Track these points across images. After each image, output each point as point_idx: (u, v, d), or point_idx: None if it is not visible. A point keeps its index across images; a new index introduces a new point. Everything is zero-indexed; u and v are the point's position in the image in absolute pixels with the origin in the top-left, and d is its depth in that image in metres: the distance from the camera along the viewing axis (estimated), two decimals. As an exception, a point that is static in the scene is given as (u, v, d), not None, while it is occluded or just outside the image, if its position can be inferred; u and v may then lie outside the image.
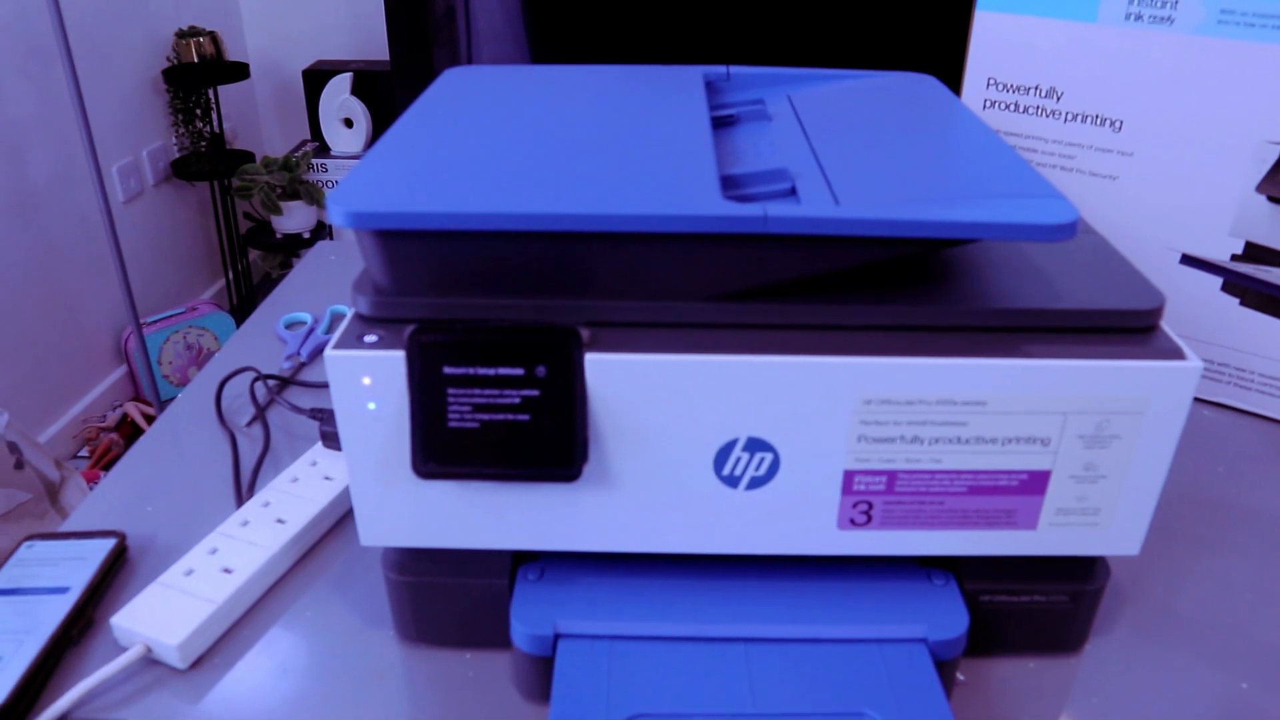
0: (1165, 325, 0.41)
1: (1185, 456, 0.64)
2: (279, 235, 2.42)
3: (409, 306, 0.40)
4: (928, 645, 0.42)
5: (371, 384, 0.39)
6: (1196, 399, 0.70)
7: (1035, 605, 0.46)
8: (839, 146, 0.46)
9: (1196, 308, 0.67)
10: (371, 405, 0.40)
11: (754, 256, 0.38)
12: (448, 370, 0.38)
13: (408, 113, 0.49)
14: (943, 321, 0.40)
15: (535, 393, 0.38)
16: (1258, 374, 0.67)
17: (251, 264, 2.69)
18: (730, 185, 0.42)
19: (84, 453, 2.06)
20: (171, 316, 2.26)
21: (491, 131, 0.46)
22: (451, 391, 0.39)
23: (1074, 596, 0.46)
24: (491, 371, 0.38)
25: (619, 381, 0.39)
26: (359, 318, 0.41)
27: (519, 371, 0.38)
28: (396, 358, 0.39)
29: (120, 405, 2.17)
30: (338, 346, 0.39)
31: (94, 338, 2.17)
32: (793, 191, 0.42)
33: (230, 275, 2.61)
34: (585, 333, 0.39)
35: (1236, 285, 0.65)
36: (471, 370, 0.38)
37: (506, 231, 0.38)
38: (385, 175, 0.40)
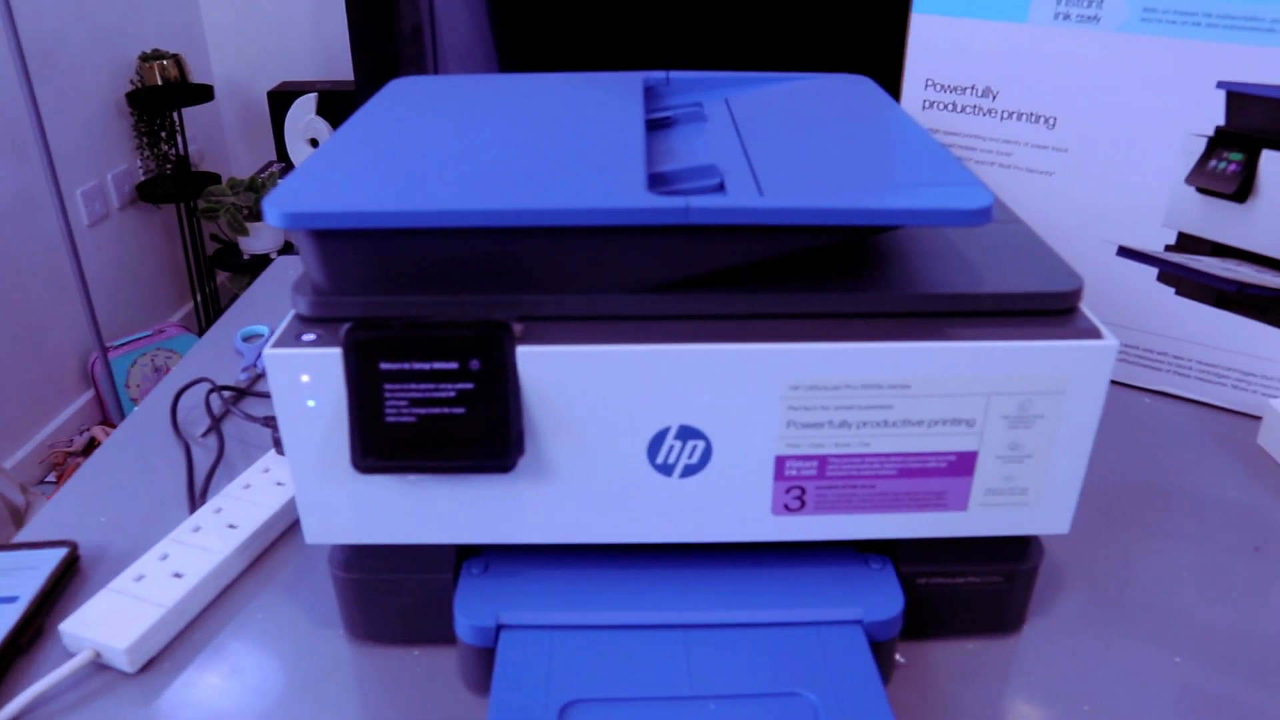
0: (1085, 307, 0.42)
1: (1127, 443, 0.65)
2: (246, 256, 2.42)
3: (346, 305, 0.41)
4: (863, 626, 0.43)
5: (310, 382, 0.40)
6: (1137, 387, 0.71)
7: (971, 586, 0.47)
8: (770, 144, 0.47)
9: (1134, 298, 0.68)
10: (311, 403, 0.40)
11: (680, 248, 0.39)
12: (384, 366, 0.39)
13: (349, 120, 0.50)
14: (868, 308, 0.41)
15: (469, 386, 0.39)
16: (1195, 361, 0.68)
17: (220, 286, 2.69)
18: (660, 182, 0.43)
19: (51, 478, 2.05)
20: (139, 339, 2.25)
21: (429, 136, 0.47)
22: (388, 387, 0.39)
23: (1009, 576, 0.47)
24: (426, 366, 0.39)
25: (551, 373, 0.39)
26: (298, 318, 0.42)
27: (453, 366, 0.39)
28: (334, 355, 0.39)
29: (87, 429, 2.16)
30: (277, 346, 0.40)
31: (61, 362, 2.16)
32: (721, 186, 0.43)
33: (198, 297, 2.60)
34: (518, 327, 0.39)
35: (1171, 275, 0.67)
36: (407, 365, 0.39)
37: (437, 228, 0.38)
38: (321, 178, 0.41)
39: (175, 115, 2.37)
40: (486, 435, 0.40)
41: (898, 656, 0.47)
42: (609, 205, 0.37)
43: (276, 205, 0.38)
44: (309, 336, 0.40)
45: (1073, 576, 0.54)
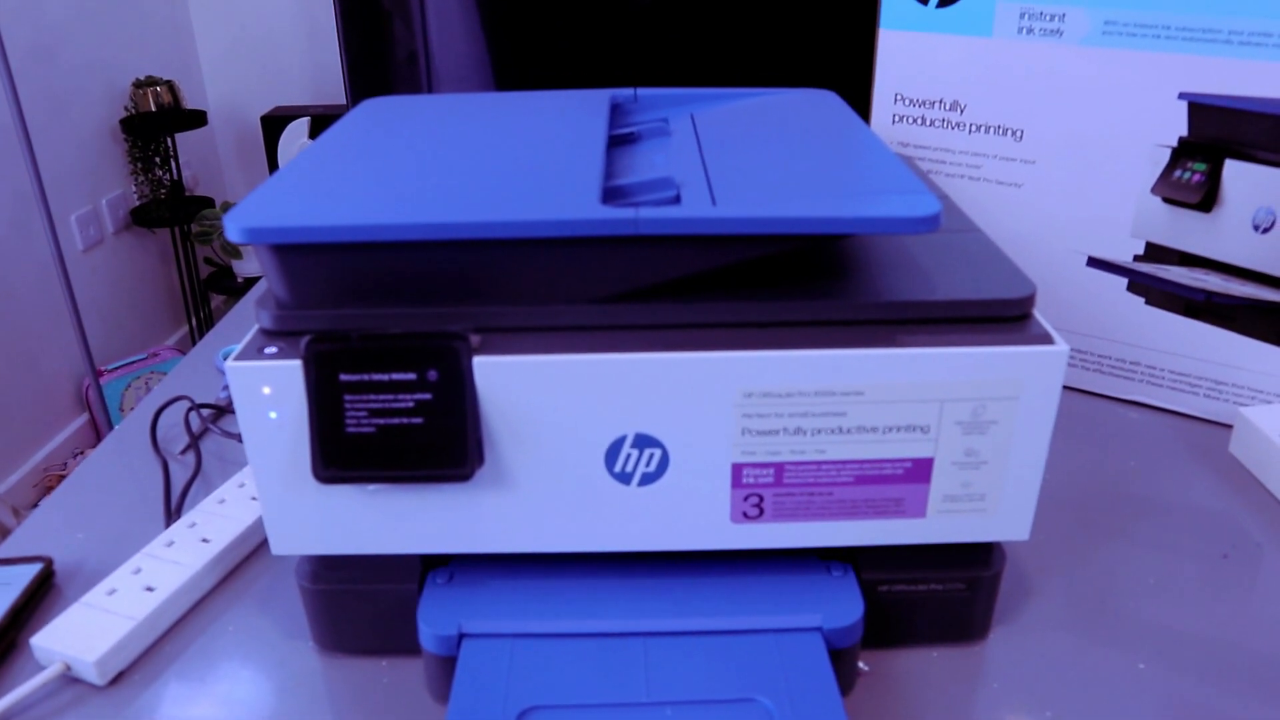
0: (1038, 314, 0.43)
1: (1099, 452, 0.66)
2: (240, 279, 2.43)
3: (307, 319, 0.41)
4: (822, 633, 0.43)
5: (272, 393, 0.40)
6: (1110, 397, 0.72)
7: (933, 594, 0.47)
8: (729, 158, 0.48)
9: (1104, 308, 0.69)
10: (273, 414, 0.41)
11: (633, 258, 0.40)
12: (343, 378, 0.40)
13: (318, 139, 0.50)
14: (821, 315, 0.42)
15: (428, 396, 0.40)
16: (1168, 370, 0.69)
17: (214, 309, 2.70)
18: (616, 195, 0.44)
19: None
20: (133, 363, 2.26)
21: (393, 153, 0.47)
22: (348, 398, 0.40)
23: (971, 584, 0.47)
24: (385, 377, 0.40)
25: (509, 383, 0.40)
26: (261, 331, 0.42)
27: (411, 376, 0.39)
28: (294, 367, 0.40)
29: (81, 453, 2.16)
30: (239, 358, 0.40)
31: (54, 386, 2.17)
32: (677, 199, 0.44)
33: (193, 321, 2.61)
34: (474, 338, 0.40)
35: (1141, 285, 0.67)
36: (366, 377, 0.40)
37: (393, 242, 0.39)
38: (284, 194, 0.42)
39: (169, 140, 2.39)
40: (445, 445, 0.40)
41: (860, 664, 0.47)
42: (561, 217, 0.38)
43: (236, 220, 0.39)
44: (270, 349, 0.41)
45: (1041, 584, 0.54)
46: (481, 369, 0.40)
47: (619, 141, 0.55)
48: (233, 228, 0.39)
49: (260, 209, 0.40)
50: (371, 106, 0.58)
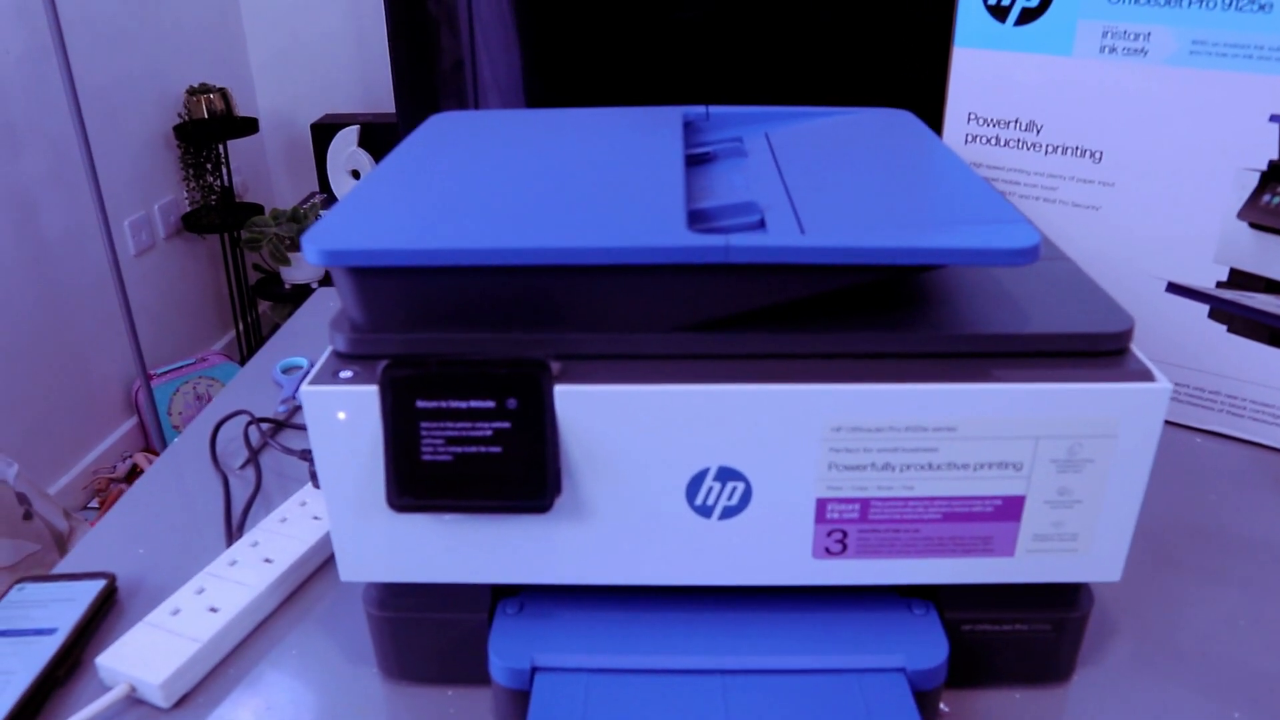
0: (1135, 348, 0.41)
1: (1178, 484, 0.64)
2: (288, 286, 2.44)
3: (383, 343, 0.41)
4: (906, 675, 0.42)
5: (347, 419, 0.40)
6: (1189, 426, 0.70)
7: (1018, 634, 0.46)
8: (811, 180, 0.47)
9: (1184, 335, 0.67)
10: (348, 440, 0.40)
11: (720, 287, 0.39)
12: (420, 404, 0.39)
13: (389, 156, 0.50)
14: (911, 348, 0.40)
15: (506, 425, 0.39)
16: (1249, 401, 0.67)
17: (261, 315, 2.72)
18: (699, 219, 0.43)
19: (94, 504, 2.07)
20: (182, 367, 2.28)
21: (468, 172, 0.47)
22: (424, 425, 0.39)
23: (1057, 625, 0.45)
24: (463, 405, 0.39)
25: (589, 413, 0.39)
26: (336, 354, 0.42)
27: (490, 404, 0.38)
28: (370, 393, 0.39)
29: (130, 455, 2.18)
30: (314, 383, 0.40)
31: (105, 389, 2.19)
32: (761, 224, 0.42)
33: (240, 326, 2.64)
34: (555, 365, 0.39)
35: (1223, 312, 0.65)
36: (443, 404, 0.39)
37: (476, 266, 0.38)
38: (360, 215, 0.41)
39: (221, 147, 2.41)
40: (523, 475, 0.39)
41: (942, 706, 0.46)
42: (648, 244, 0.37)
43: (315, 243, 0.38)
44: (346, 374, 0.40)
45: (1123, 623, 0.52)
46: (562, 398, 0.39)
47: (694, 161, 0.54)
48: (311, 250, 0.38)
49: (338, 230, 0.39)
50: (439, 122, 0.57)
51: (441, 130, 0.55)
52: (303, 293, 2.44)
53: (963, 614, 0.45)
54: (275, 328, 2.65)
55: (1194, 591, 0.54)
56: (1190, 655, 0.50)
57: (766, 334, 0.40)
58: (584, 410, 0.39)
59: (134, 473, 2.14)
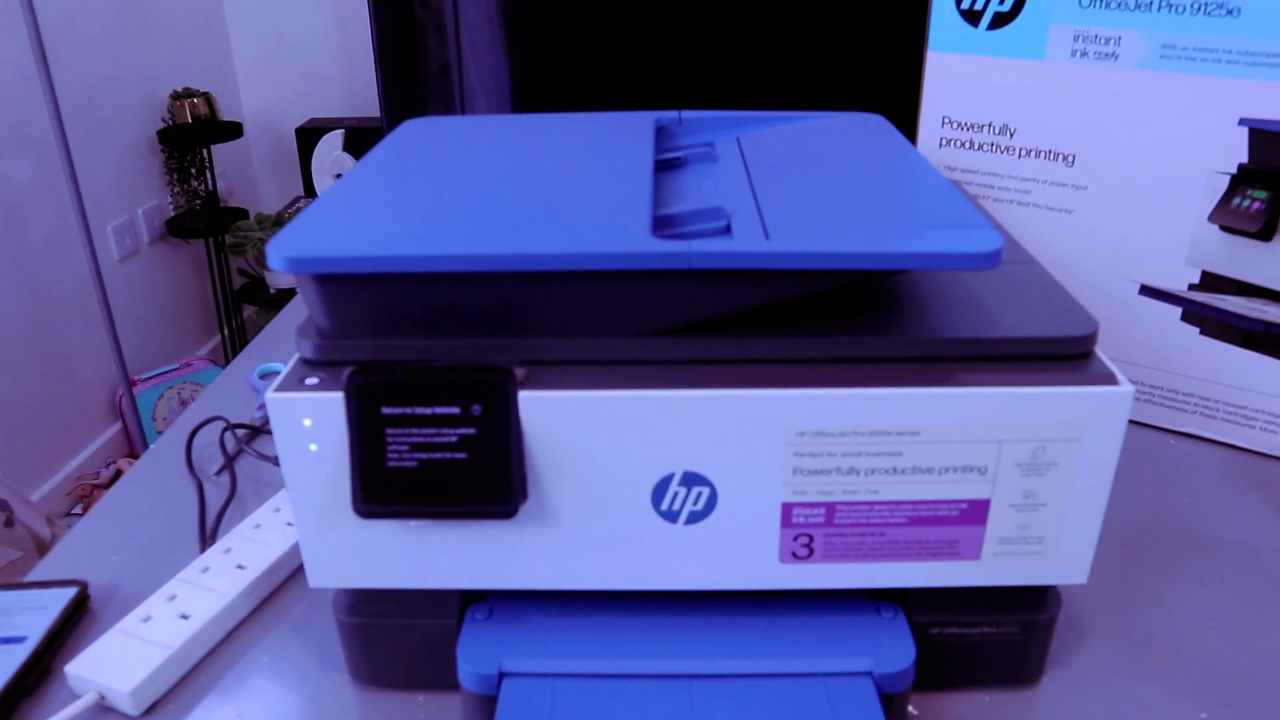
0: (1100, 351, 0.42)
1: (1151, 486, 0.64)
2: (272, 291, 2.44)
3: (349, 349, 0.41)
4: (873, 678, 0.42)
5: (312, 425, 0.40)
6: (1163, 428, 0.70)
7: (986, 637, 0.46)
8: (779, 185, 0.47)
9: (1157, 337, 0.67)
10: (314, 446, 0.40)
11: (684, 292, 0.39)
12: (386, 411, 0.39)
13: (359, 163, 0.50)
14: (876, 352, 0.40)
15: (472, 431, 0.39)
16: (1222, 402, 0.67)
17: (246, 320, 2.71)
18: (666, 224, 0.43)
19: (78, 510, 2.06)
20: (166, 373, 2.28)
21: (436, 179, 0.47)
22: (390, 431, 0.39)
23: (1025, 627, 0.46)
24: (428, 411, 0.39)
25: (555, 419, 0.39)
26: (302, 361, 0.42)
27: (455, 410, 0.38)
28: (336, 399, 0.39)
29: (114, 461, 2.17)
30: (280, 389, 0.40)
31: (88, 395, 2.18)
32: (728, 229, 0.42)
33: (225, 331, 2.63)
34: (520, 371, 0.39)
35: (1196, 315, 0.66)
36: (409, 410, 0.39)
37: (440, 273, 0.38)
38: (326, 221, 0.41)
39: (205, 152, 2.41)
40: (489, 481, 0.39)
41: (910, 709, 0.46)
42: (611, 250, 0.37)
43: (280, 250, 0.38)
44: (312, 380, 0.40)
45: (1095, 625, 0.52)
46: (527, 403, 0.39)
47: (665, 166, 0.54)
48: (275, 257, 0.38)
49: (303, 237, 0.39)
50: (411, 128, 0.57)
51: (413, 136, 0.55)
52: (288, 297, 2.43)
53: (931, 617, 0.45)
54: (259, 332, 2.64)
55: (1166, 592, 0.55)
56: (1161, 656, 0.50)
57: (731, 339, 0.40)
58: (549, 416, 0.39)
59: (118, 478, 2.13)
